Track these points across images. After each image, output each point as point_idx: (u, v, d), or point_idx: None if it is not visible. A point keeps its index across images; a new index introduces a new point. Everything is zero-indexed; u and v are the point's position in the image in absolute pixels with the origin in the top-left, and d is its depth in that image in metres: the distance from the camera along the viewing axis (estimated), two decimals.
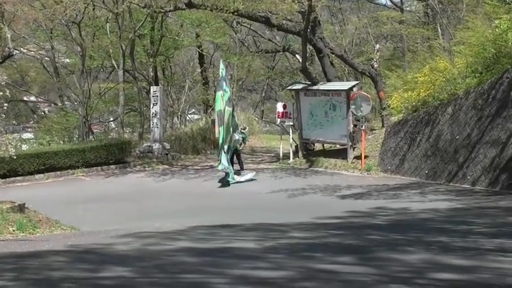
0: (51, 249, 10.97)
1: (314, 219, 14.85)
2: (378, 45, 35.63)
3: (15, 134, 33.07)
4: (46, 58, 40.78)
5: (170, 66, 48.04)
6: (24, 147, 32.11)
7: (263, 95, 58.55)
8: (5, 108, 16.59)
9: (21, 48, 40.56)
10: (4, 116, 17.01)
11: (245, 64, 48.47)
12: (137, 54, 38.56)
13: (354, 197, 19.48)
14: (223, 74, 25.99)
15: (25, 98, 48.83)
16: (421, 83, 24.30)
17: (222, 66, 26.73)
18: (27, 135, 40.71)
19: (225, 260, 9.23)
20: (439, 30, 36.80)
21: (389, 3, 50.90)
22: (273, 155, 31.51)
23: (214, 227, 14.05)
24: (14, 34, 31.48)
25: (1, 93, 15.64)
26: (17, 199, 16.95)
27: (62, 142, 31.63)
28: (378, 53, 33.44)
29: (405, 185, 21.33)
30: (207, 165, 29.79)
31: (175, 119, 46.29)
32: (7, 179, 25.46)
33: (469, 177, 19.68)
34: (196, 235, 12.77)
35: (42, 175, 26.25)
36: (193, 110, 54.57)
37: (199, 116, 50.18)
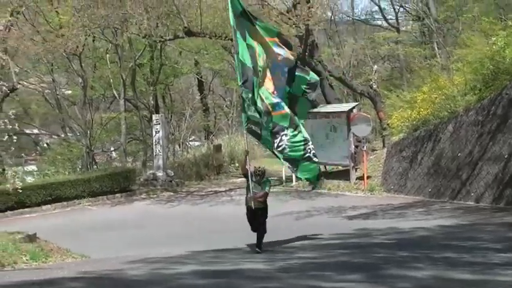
0: (66, 276, 11.16)
1: (321, 239, 15.02)
2: (375, 66, 35.95)
3: (20, 167, 33.16)
4: (47, 90, 40.92)
5: (170, 94, 48.11)
6: (29, 179, 32.21)
7: None
8: (15, 141, 16.79)
9: (23, 82, 40.74)
10: (13, 149, 17.22)
11: None
12: (137, 83, 38.76)
13: (360, 217, 19.55)
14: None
15: (27, 131, 48.89)
16: (421, 102, 24.46)
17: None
18: (30, 168, 40.78)
19: (237, 281, 9.39)
20: (436, 48, 37.06)
21: (385, 24, 51.29)
22: (275, 178, 31.58)
23: (223, 250, 14.21)
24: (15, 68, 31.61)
25: (10, 126, 15.88)
26: (26, 230, 17.13)
27: (66, 173, 31.68)
28: (376, 74, 33.72)
29: (409, 204, 21.40)
30: (211, 191, 29.89)
31: (177, 146, 46.38)
32: (15, 210, 25.46)
33: (472, 194, 19.74)
34: (204, 259, 12.93)
35: (49, 206, 26.32)
36: (193, 137, 54.67)
37: (200, 143, 50.28)
